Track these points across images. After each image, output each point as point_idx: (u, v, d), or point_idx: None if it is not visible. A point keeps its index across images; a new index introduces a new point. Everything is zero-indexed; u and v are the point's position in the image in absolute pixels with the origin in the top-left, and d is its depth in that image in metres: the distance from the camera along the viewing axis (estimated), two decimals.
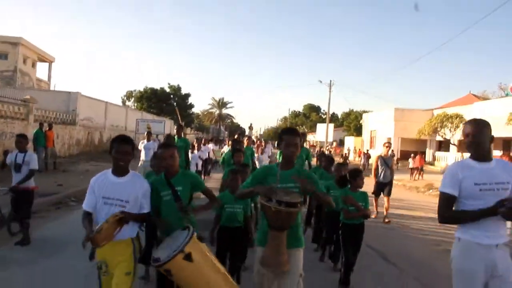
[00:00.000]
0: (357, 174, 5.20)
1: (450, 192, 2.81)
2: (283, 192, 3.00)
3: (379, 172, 9.95)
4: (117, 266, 3.15)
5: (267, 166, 3.77)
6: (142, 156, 12.17)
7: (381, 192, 10.03)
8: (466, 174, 2.80)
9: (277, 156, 11.51)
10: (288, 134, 3.29)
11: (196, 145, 14.98)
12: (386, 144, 10.22)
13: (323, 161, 7.42)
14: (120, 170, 3.26)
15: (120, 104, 47.06)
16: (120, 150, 3.21)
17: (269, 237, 3.03)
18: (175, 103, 52.52)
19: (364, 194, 5.14)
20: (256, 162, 12.38)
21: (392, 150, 10.65)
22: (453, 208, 2.86)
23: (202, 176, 14.78)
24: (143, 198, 3.29)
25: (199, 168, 14.16)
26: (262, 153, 12.86)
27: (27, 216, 6.52)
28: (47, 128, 16.41)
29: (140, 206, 3.28)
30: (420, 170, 23.06)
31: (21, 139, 6.56)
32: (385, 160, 9.94)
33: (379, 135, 38.55)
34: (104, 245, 2.99)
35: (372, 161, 12.55)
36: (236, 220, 4.54)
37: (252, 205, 5.22)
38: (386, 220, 9.66)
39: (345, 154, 33.35)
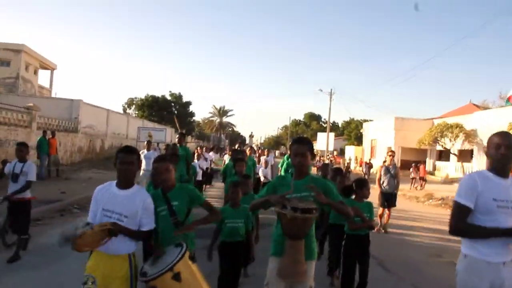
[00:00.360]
0: (363, 184, 5.12)
1: (466, 204, 2.64)
2: (297, 200, 2.98)
3: (383, 182, 9.73)
4: (113, 283, 3.00)
5: (281, 176, 3.68)
6: (143, 165, 12.02)
7: (387, 203, 9.74)
8: (486, 187, 2.64)
9: (280, 165, 11.52)
10: (296, 144, 3.27)
11: (197, 153, 14.83)
12: (390, 153, 10.04)
13: (324, 171, 7.35)
14: (124, 182, 3.14)
15: (121, 111, 47.23)
16: (125, 161, 3.10)
17: (287, 247, 2.98)
18: (175, 111, 52.78)
19: (369, 204, 5.07)
20: (260, 174, 12.48)
21: (394, 160, 10.45)
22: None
23: (204, 187, 14.67)
24: (142, 214, 3.11)
25: (199, 177, 13.64)
26: (266, 166, 12.81)
27: (24, 232, 6.16)
28: (51, 136, 16.56)
29: (140, 223, 3.11)
30: (423, 180, 22.94)
31: (21, 147, 6.27)
32: (389, 170, 9.75)
33: (379, 144, 38.67)
34: (94, 258, 2.94)
35: (375, 170, 12.55)
36: (238, 235, 4.45)
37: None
38: (384, 231, 9.59)
39: (347, 163, 33.35)
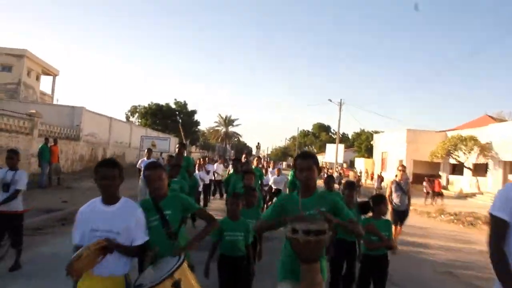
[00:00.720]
0: (381, 200, 4.96)
1: (501, 216, 2.40)
2: (308, 221, 2.89)
3: (394, 199, 9.41)
4: None
5: (286, 195, 3.61)
6: (142, 175, 11.72)
7: (399, 221, 9.45)
8: None
9: (289, 177, 11.61)
10: (300, 159, 3.21)
11: (199, 164, 14.45)
12: (400, 168, 9.81)
13: (328, 185, 7.22)
14: (108, 198, 3.03)
15: (124, 119, 47.57)
16: (104, 176, 2.98)
17: (302, 272, 2.91)
18: (180, 120, 53.03)
19: (388, 222, 4.93)
20: (271, 182, 12.63)
21: (407, 174, 10.30)
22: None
23: (206, 198, 14.12)
24: (136, 228, 3.02)
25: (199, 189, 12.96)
26: (279, 175, 13.00)
27: (19, 244, 6.08)
28: (52, 143, 16.78)
29: (132, 238, 3.00)
30: (439, 195, 22.70)
31: (12, 155, 6.00)
32: (400, 185, 9.46)
33: (390, 157, 38.66)
34: (89, 280, 2.83)
35: (384, 184, 12.28)
36: (237, 249, 4.37)
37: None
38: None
39: (358, 176, 33.27)
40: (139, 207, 3.18)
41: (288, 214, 3.02)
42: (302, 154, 3.35)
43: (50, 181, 15.94)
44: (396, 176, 9.82)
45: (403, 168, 9.79)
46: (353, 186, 6.50)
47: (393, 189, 9.51)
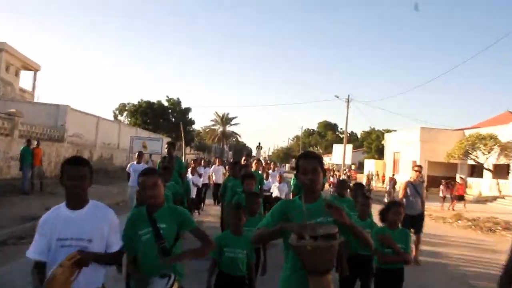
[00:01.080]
0: (396, 207, 4.79)
1: None
2: (314, 226, 2.74)
3: (408, 202, 9.06)
4: None
5: (287, 201, 3.40)
6: (131, 181, 11.66)
7: (412, 227, 8.81)
8: None
9: (292, 183, 11.58)
10: (303, 159, 3.07)
11: (191, 167, 14.30)
12: (416, 168, 9.68)
13: (341, 189, 7.04)
14: (75, 201, 2.89)
15: (112, 118, 47.57)
16: (73, 175, 2.84)
17: (310, 286, 2.71)
18: (172, 119, 53.06)
19: (405, 232, 4.78)
20: (273, 190, 12.43)
21: (422, 176, 10.27)
22: None
23: (197, 208, 14.08)
24: (110, 232, 2.94)
25: (193, 195, 12.92)
26: (280, 182, 12.76)
27: None
28: (35, 145, 16.79)
29: (107, 244, 2.93)
30: (461, 199, 22.64)
31: None
32: (416, 187, 9.31)
33: (403, 158, 38.75)
34: None
35: (397, 187, 12.04)
36: (237, 268, 4.23)
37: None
38: (416, 262, 8.76)
39: (367, 179, 33.20)
40: (110, 209, 3.08)
41: (291, 222, 2.88)
42: (305, 154, 3.23)
43: (33, 186, 16.02)
44: (410, 177, 9.72)
45: (419, 169, 9.67)
46: (363, 189, 6.39)
47: (408, 191, 9.32)
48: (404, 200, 9.16)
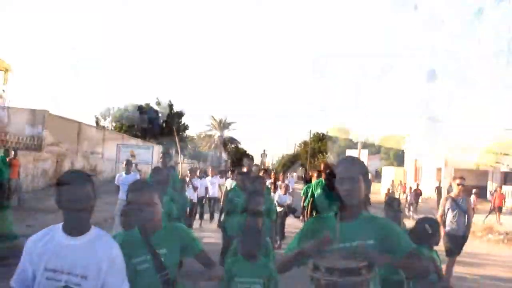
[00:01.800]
0: (435, 226, 4.73)
1: None
2: (338, 254, 2.59)
3: (449, 221, 8.86)
4: None
5: (320, 218, 3.28)
6: (120, 194, 11.45)
7: (456, 249, 8.85)
8: None
9: (302, 194, 11.63)
10: (343, 165, 2.90)
11: (188, 178, 14.08)
12: (459, 181, 9.13)
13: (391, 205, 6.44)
14: (75, 227, 2.64)
15: (94, 124, 47.60)
16: (72, 197, 2.59)
17: None
18: (164, 124, 53.10)
19: (432, 253, 4.67)
20: (276, 201, 11.95)
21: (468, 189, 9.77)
22: None
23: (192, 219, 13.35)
24: (109, 272, 2.61)
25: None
26: (285, 192, 12.67)
27: None
28: (12, 156, 16.85)
29: (103, 286, 2.60)
30: (498, 210, 22.81)
31: None
32: (458, 203, 8.90)
33: (425, 165, 38.65)
34: None
35: (431, 201, 11.75)
36: None
37: None
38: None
39: (388, 189, 33.07)
40: (115, 243, 2.77)
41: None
42: (346, 159, 3.05)
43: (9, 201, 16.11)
44: (451, 191, 9.45)
45: (461, 181, 9.15)
46: (399, 205, 6.01)
47: (449, 208, 8.98)
48: (449, 217, 8.93)
